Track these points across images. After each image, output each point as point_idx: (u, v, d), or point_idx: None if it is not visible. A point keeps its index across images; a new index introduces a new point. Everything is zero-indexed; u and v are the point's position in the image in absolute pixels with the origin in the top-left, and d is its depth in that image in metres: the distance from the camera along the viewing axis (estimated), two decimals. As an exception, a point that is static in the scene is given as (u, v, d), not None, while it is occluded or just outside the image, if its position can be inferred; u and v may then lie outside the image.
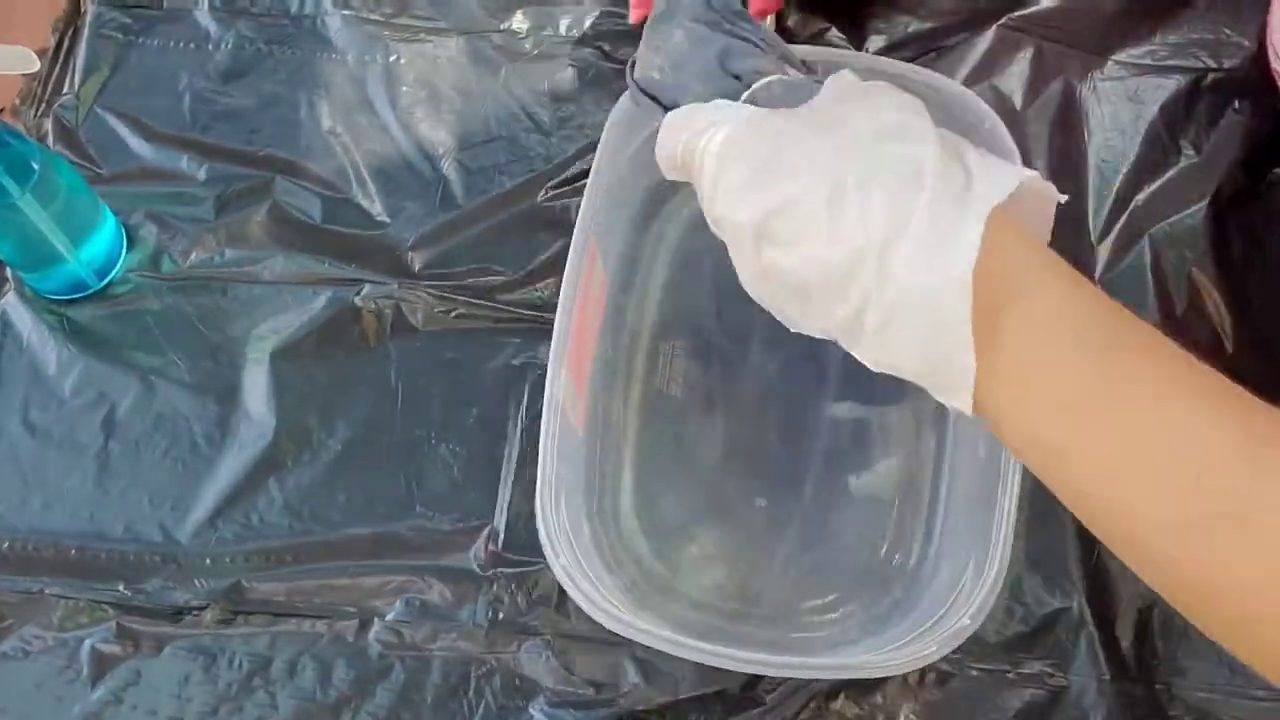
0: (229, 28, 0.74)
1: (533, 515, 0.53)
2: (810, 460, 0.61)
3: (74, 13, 0.75)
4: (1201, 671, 0.56)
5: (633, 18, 0.69)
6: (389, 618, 0.59)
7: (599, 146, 0.59)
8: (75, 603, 0.60)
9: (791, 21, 0.71)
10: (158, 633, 0.59)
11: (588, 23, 0.73)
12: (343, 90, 0.72)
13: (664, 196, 0.66)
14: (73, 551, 0.61)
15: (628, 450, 0.62)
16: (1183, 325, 0.64)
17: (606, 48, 0.72)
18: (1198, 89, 0.69)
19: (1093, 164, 0.68)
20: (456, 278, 0.66)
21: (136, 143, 0.71)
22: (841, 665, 0.54)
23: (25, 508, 0.62)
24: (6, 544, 0.62)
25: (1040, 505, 0.59)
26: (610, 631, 0.51)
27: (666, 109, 0.47)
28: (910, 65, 0.60)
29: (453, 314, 0.66)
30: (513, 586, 0.60)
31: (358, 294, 0.66)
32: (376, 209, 0.69)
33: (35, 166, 0.60)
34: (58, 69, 0.73)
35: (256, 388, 0.64)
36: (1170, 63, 0.70)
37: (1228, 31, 0.70)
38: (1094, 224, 0.66)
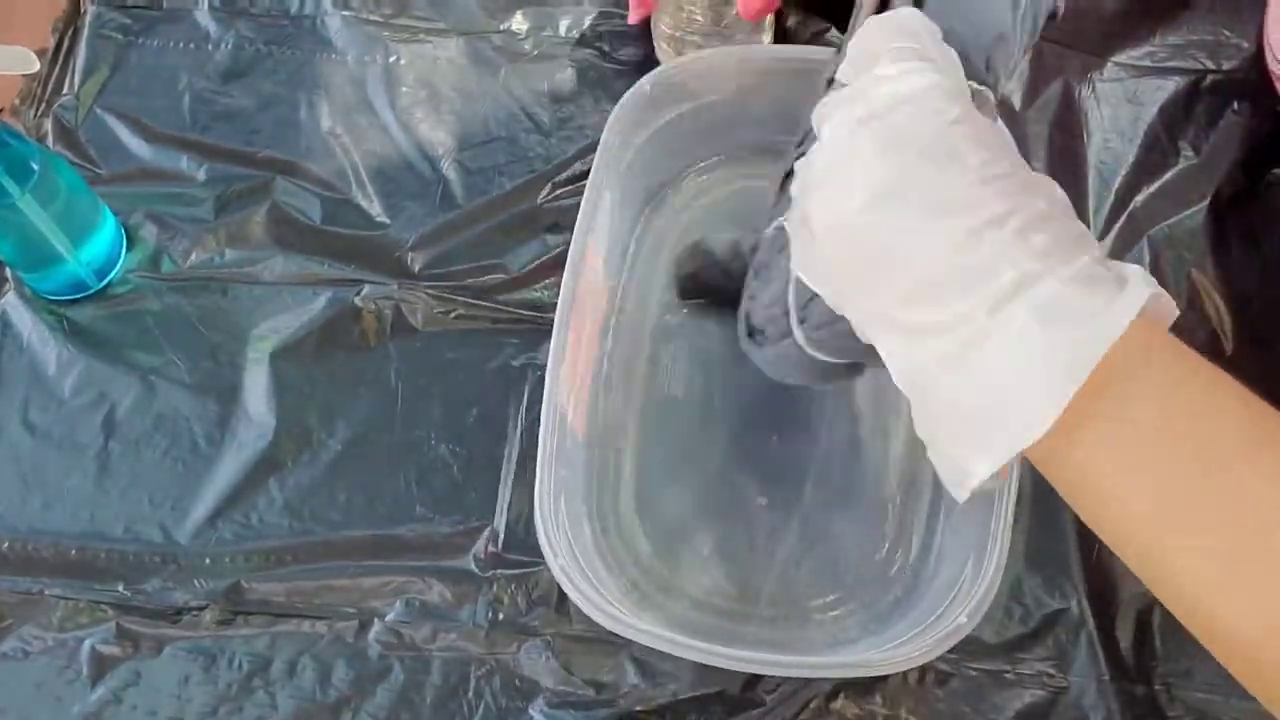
0: (229, 28, 0.74)
1: (533, 516, 0.53)
2: (810, 460, 0.61)
3: (74, 13, 0.75)
4: (1201, 672, 0.56)
5: (631, 18, 0.70)
6: (389, 618, 0.59)
7: (599, 147, 0.59)
8: (75, 603, 0.60)
9: (791, 22, 0.71)
10: (157, 633, 0.59)
11: (587, 23, 0.73)
12: (342, 91, 0.72)
13: (664, 197, 0.67)
14: (72, 552, 0.61)
15: (627, 451, 0.62)
16: (1182, 326, 0.63)
17: (606, 48, 0.73)
18: (1197, 90, 0.69)
19: (1092, 165, 0.68)
20: (456, 278, 0.66)
21: (136, 143, 0.71)
22: (841, 664, 0.54)
23: (25, 508, 0.62)
24: (6, 544, 0.62)
25: (1040, 506, 0.59)
26: (610, 632, 0.51)
27: None
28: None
29: (452, 314, 0.66)
30: (512, 587, 0.60)
31: (358, 294, 0.66)
32: (376, 209, 0.69)
33: (35, 167, 0.60)
34: (57, 69, 0.73)
35: (256, 388, 0.64)
36: (1170, 64, 0.70)
37: (1227, 33, 0.70)
38: (1093, 225, 0.66)
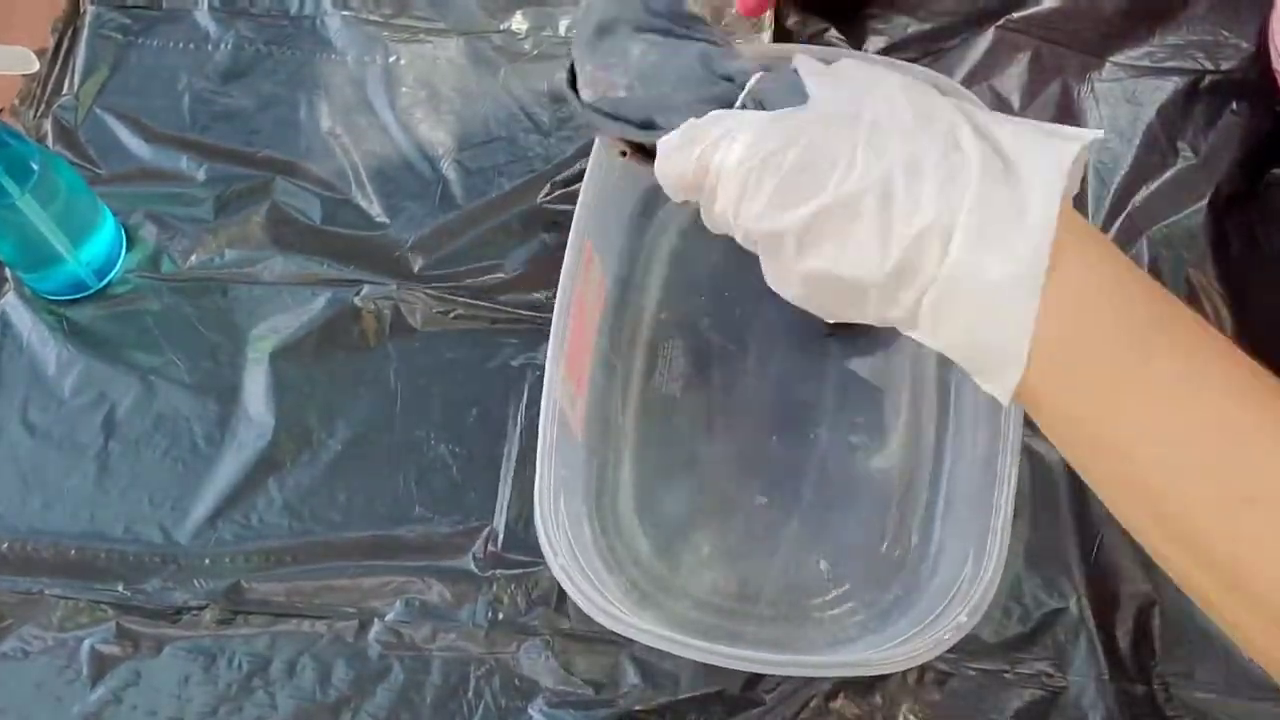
0: (228, 28, 0.74)
1: (533, 515, 0.53)
2: (810, 458, 0.61)
3: (73, 13, 0.75)
4: (1201, 672, 0.56)
5: None
6: (388, 618, 0.59)
7: (593, 147, 0.59)
8: (75, 603, 0.60)
9: (791, 22, 0.71)
10: (157, 633, 0.59)
11: (587, 23, 0.73)
12: (342, 91, 0.72)
13: (661, 197, 0.65)
14: (72, 552, 0.61)
15: (627, 450, 0.62)
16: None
17: (606, 48, 0.73)
18: (1196, 90, 0.69)
19: (1091, 165, 0.68)
20: (456, 278, 0.66)
21: (136, 143, 0.71)
22: (840, 663, 0.54)
23: (25, 508, 0.62)
24: (6, 544, 0.62)
25: (1040, 506, 0.59)
26: (610, 632, 0.51)
27: (641, 127, 0.45)
28: (906, 64, 0.60)
29: (452, 314, 0.66)
30: (512, 587, 0.60)
31: (357, 294, 0.66)
32: (376, 210, 0.69)
33: (35, 167, 0.60)
34: (57, 69, 0.73)
35: (256, 388, 0.64)
36: (1168, 64, 0.70)
37: (1225, 33, 0.70)
38: (1092, 225, 0.66)
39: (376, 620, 0.59)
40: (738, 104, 0.43)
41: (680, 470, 0.61)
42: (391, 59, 0.73)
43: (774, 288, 0.43)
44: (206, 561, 0.61)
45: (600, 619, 0.50)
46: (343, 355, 0.65)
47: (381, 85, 0.72)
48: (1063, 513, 0.59)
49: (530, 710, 0.57)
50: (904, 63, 0.57)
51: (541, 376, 0.56)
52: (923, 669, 0.57)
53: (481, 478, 0.62)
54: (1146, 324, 0.38)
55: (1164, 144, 0.68)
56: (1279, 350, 0.39)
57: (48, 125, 0.71)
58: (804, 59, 0.44)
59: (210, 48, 0.74)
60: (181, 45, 0.74)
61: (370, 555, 0.61)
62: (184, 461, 0.63)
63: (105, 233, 0.66)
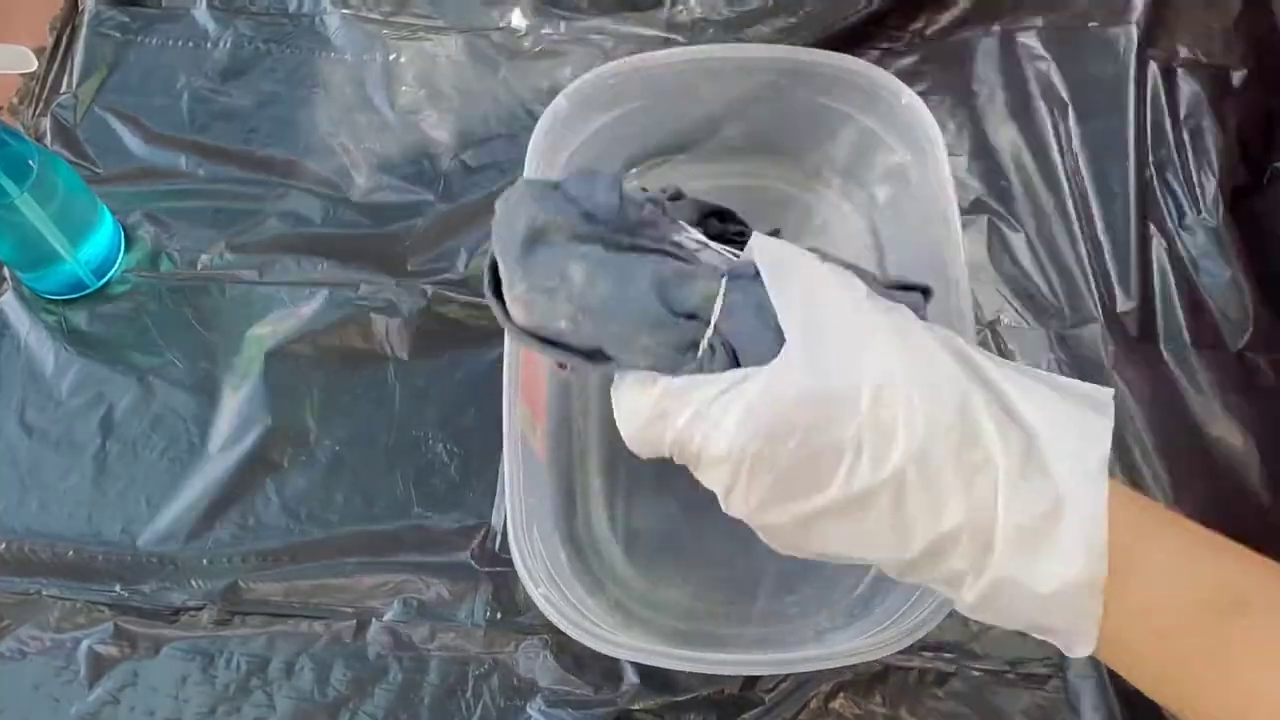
0: (227, 26, 0.74)
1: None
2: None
3: (72, 11, 0.75)
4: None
5: None
6: (386, 618, 0.59)
7: (529, 150, 0.57)
8: (72, 604, 0.60)
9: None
10: (155, 633, 0.59)
11: (586, 21, 0.73)
12: (342, 89, 0.72)
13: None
14: (70, 552, 0.61)
15: (593, 469, 0.61)
16: (1184, 326, 0.63)
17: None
18: (1198, 85, 0.69)
19: (1090, 165, 0.67)
20: (455, 277, 0.66)
21: (135, 142, 0.71)
22: (828, 655, 0.51)
23: (22, 508, 0.62)
24: (4, 545, 0.62)
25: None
26: (608, 630, 0.51)
27: (587, 357, 0.40)
28: (821, 52, 0.58)
29: (450, 313, 0.65)
30: (511, 586, 0.59)
31: (356, 294, 0.66)
32: (375, 208, 0.69)
33: (33, 166, 0.60)
34: (55, 68, 0.73)
35: (254, 388, 0.64)
36: (1169, 59, 0.70)
37: (1227, 28, 0.70)
38: (1093, 225, 0.66)
39: (374, 620, 0.59)
40: (703, 345, 0.38)
41: (650, 481, 0.60)
42: (391, 57, 0.73)
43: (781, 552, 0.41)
44: (204, 562, 0.61)
45: (588, 642, 0.50)
46: (341, 355, 0.65)
47: (381, 83, 0.72)
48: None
49: (529, 710, 0.57)
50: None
51: (539, 376, 0.56)
52: (922, 669, 0.57)
53: (479, 476, 0.62)
54: (1230, 609, 0.35)
55: (1168, 138, 0.68)
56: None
57: (46, 124, 0.71)
58: (770, 271, 0.38)
59: (209, 46, 0.74)
60: (180, 44, 0.74)
61: (368, 555, 0.60)
62: (181, 461, 0.63)
63: (104, 232, 0.66)
